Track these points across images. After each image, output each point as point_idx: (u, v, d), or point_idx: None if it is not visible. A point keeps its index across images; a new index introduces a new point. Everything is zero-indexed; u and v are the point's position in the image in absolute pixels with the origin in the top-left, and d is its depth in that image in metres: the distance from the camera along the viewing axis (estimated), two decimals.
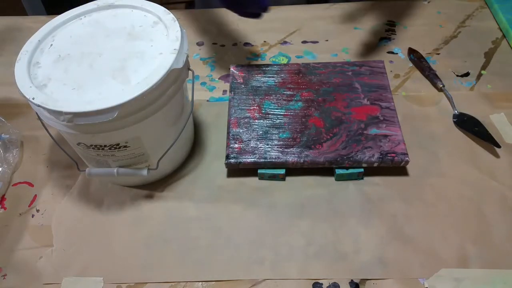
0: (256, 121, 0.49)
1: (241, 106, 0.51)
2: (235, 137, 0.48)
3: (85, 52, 0.41)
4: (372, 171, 0.47)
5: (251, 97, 0.52)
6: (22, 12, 1.25)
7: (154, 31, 0.43)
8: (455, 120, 0.52)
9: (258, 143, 0.47)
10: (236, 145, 0.47)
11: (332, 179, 0.47)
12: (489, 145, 0.49)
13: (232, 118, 0.50)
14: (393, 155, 0.45)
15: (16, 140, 0.52)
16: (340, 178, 0.47)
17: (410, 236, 0.43)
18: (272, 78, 0.53)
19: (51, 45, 0.42)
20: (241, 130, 0.48)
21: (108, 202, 0.47)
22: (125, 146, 0.41)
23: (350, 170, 0.46)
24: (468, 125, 0.51)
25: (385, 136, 0.47)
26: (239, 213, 0.45)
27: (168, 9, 0.45)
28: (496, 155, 0.49)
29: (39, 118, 0.40)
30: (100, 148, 0.40)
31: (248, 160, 0.46)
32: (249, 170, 0.48)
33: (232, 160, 0.46)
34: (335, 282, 0.40)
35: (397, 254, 0.42)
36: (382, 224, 0.44)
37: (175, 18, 0.43)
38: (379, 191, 0.46)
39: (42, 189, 0.49)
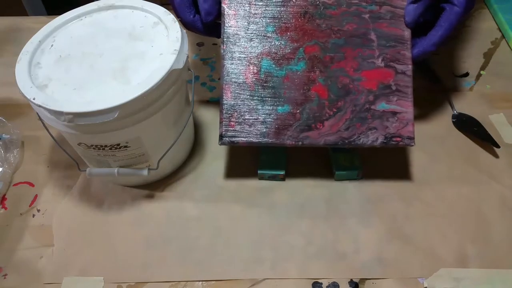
0: (252, 89, 0.43)
1: (235, 64, 0.43)
2: (229, 111, 0.43)
3: (86, 53, 0.41)
4: (372, 171, 0.47)
5: (248, 51, 0.43)
6: (22, 12, 1.25)
7: (155, 31, 0.43)
8: (454, 120, 0.52)
9: (254, 120, 0.43)
10: (230, 122, 0.43)
11: (332, 179, 0.48)
12: (488, 145, 0.49)
13: (225, 84, 0.43)
14: (398, 139, 0.42)
15: (17, 140, 0.52)
16: (340, 178, 0.47)
17: (409, 236, 0.43)
18: (273, 22, 0.44)
19: (52, 45, 0.42)
20: (235, 102, 0.43)
21: (109, 202, 0.47)
22: (125, 146, 0.41)
23: (350, 170, 0.46)
24: (467, 125, 0.51)
25: (394, 113, 0.42)
26: (239, 213, 0.46)
27: (168, 9, 0.45)
28: (495, 155, 0.49)
29: (39, 118, 0.40)
30: (101, 148, 0.41)
31: (244, 140, 0.42)
32: (249, 170, 0.48)
33: (226, 140, 0.43)
34: (334, 282, 0.41)
35: (396, 254, 0.42)
36: (382, 224, 0.44)
37: (175, 19, 0.43)
38: (379, 191, 0.46)
39: (43, 189, 0.49)
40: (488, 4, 0.67)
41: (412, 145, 0.42)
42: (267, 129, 0.43)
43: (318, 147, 0.43)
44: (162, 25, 0.43)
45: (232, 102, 0.43)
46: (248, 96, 0.43)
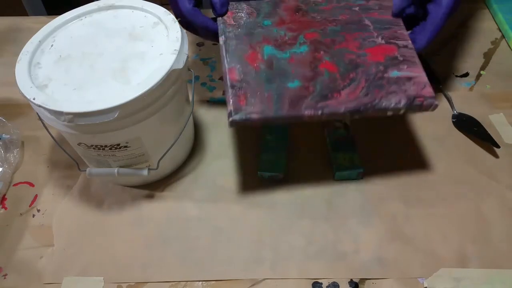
0: (258, 70, 0.40)
1: (236, 52, 0.42)
2: (236, 89, 0.39)
3: (86, 53, 0.41)
4: (372, 171, 0.47)
5: (247, 41, 0.43)
6: (22, 12, 1.25)
7: (155, 31, 0.43)
8: (454, 120, 0.52)
9: (264, 95, 0.39)
10: (240, 98, 0.39)
11: (332, 179, 0.48)
12: (488, 145, 0.49)
13: (228, 68, 0.41)
14: (421, 99, 0.39)
15: (17, 140, 0.52)
16: (340, 178, 0.47)
17: (409, 236, 0.43)
18: (268, 18, 0.45)
19: (52, 45, 0.42)
20: (242, 79, 0.40)
21: (109, 202, 0.47)
22: (125, 146, 0.41)
23: (350, 170, 0.46)
24: (467, 125, 0.51)
25: (409, 78, 0.41)
26: (239, 213, 0.46)
27: (168, 9, 0.45)
28: (496, 155, 0.49)
29: (39, 118, 0.40)
30: (101, 148, 0.41)
31: (257, 116, 0.38)
32: (249, 170, 0.48)
33: (237, 117, 0.37)
34: (334, 282, 0.41)
35: (396, 254, 0.42)
36: (382, 224, 0.44)
37: (175, 19, 0.43)
38: (379, 191, 0.46)
39: (43, 189, 0.49)
40: (488, 4, 0.67)
41: (437, 104, 0.40)
42: (281, 102, 0.39)
43: (340, 116, 0.40)
44: (162, 25, 0.43)
45: (239, 79, 0.40)
46: (254, 75, 0.40)
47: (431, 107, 0.40)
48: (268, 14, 0.45)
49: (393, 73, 0.41)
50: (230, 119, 0.38)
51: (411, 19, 0.45)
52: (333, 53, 0.42)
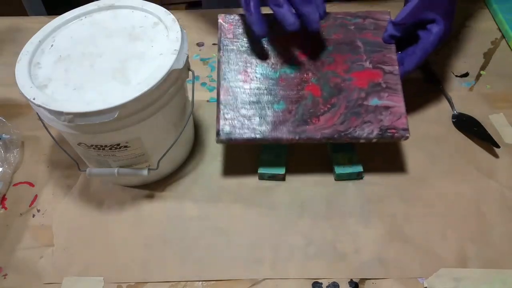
0: (249, 89, 0.45)
1: (231, 67, 0.45)
2: (226, 109, 0.44)
3: (86, 53, 0.41)
4: (372, 171, 0.47)
5: (243, 57, 0.46)
6: (22, 12, 1.25)
7: (155, 31, 0.43)
8: (454, 120, 0.52)
9: (251, 116, 0.43)
10: (228, 119, 0.43)
11: (332, 179, 0.48)
12: (488, 145, 0.49)
13: (222, 85, 0.45)
14: (393, 131, 0.43)
15: (17, 140, 0.52)
16: (340, 178, 0.47)
17: (409, 236, 0.43)
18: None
19: (52, 45, 0.42)
20: (232, 100, 0.44)
21: (109, 202, 0.47)
22: (125, 146, 0.41)
23: (350, 170, 0.46)
24: (467, 125, 0.51)
25: (387, 107, 0.43)
26: (239, 213, 0.46)
27: (168, 9, 0.45)
28: (495, 155, 0.49)
29: (39, 118, 0.40)
30: (101, 148, 0.41)
31: (241, 137, 0.43)
32: (249, 170, 0.48)
33: (224, 137, 0.43)
34: (334, 282, 0.41)
35: (396, 254, 0.42)
36: (382, 223, 0.44)
37: (175, 19, 0.43)
38: (379, 191, 0.46)
39: (43, 189, 0.49)
40: (488, 4, 0.67)
41: (408, 136, 0.43)
42: (264, 125, 0.43)
43: (316, 142, 0.43)
44: (162, 25, 0.43)
45: (229, 100, 0.44)
46: (245, 94, 0.44)
47: (403, 138, 0.43)
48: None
49: (373, 101, 0.44)
50: (217, 138, 0.43)
51: (402, 41, 0.47)
52: (320, 75, 0.45)
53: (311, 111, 0.44)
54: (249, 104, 0.44)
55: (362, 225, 0.44)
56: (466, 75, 0.58)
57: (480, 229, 0.43)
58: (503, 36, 0.62)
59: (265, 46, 0.47)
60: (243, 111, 0.44)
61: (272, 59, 0.46)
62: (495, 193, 0.46)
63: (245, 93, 0.44)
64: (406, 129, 0.43)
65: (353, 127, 0.43)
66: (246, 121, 0.43)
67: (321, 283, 0.40)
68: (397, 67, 0.45)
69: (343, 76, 0.45)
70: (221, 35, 0.47)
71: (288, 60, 0.46)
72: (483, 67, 0.58)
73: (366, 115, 0.43)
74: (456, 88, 0.56)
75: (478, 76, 0.57)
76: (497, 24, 0.64)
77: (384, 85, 0.44)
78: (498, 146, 0.48)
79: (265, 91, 0.45)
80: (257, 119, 0.43)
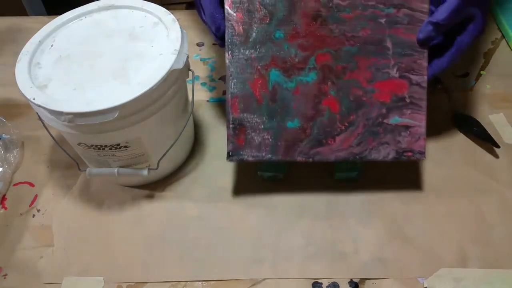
0: (260, 103, 0.40)
1: (241, 75, 0.40)
2: (237, 126, 0.41)
3: (86, 53, 0.41)
4: (372, 171, 0.47)
5: (255, 61, 0.40)
6: (22, 12, 1.25)
7: (155, 31, 0.43)
8: (454, 120, 0.52)
9: (263, 135, 0.41)
10: (239, 139, 0.41)
11: (332, 179, 0.48)
12: (489, 145, 0.49)
13: (231, 97, 0.41)
14: (410, 153, 0.40)
15: (17, 140, 0.52)
16: (340, 178, 0.47)
17: (409, 236, 0.43)
18: (281, 27, 0.40)
19: (52, 45, 0.42)
20: (243, 117, 0.41)
21: (109, 202, 0.47)
22: (125, 146, 0.41)
23: (350, 170, 0.46)
24: (467, 125, 0.51)
25: (407, 127, 0.40)
26: (239, 213, 0.46)
27: (168, 9, 0.45)
28: (496, 155, 0.49)
29: (39, 118, 0.40)
30: (101, 148, 0.41)
31: (252, 158, 0.41)
32: (249, 170, 0.48)
33: (234, 158, 0.41)
34: (334, 282, 0.41)
35: (396, 254, 0.42)
36: (382, 224, 0.44)
37: (176, 19, 0.43)
38: (379, 191, 0.46)
39: (43, 189, 0.49)
40: None
41: (423, 159, 0.41)
42: (277, 146, 0.41)
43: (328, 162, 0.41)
44: (162, 25, 0.43)
45: (240, 117, 0.41)
46: (256, 110, 0.41)
47: (419, 160, 0.41)
48: (282, 20, 0.40)
49: (393, 119, 0.41)
50: (228, 158, 0.41)
51: (437, 48, 0.42)
52: (340, 86, 0.40)
53: (327, 130, 0.41)
54: (260, 123, 0.41)
55: (362, 225, 0.44)
56: (466, 75, 0.58)
57: (480, 229, 0.43)
58: (503, 36, 0.62)
59: (280, 45, 0.40)
60: (255, 131, 0.41)
61: (288, 63, 0.40)
62: (495, 193, 0.46)
63: (257, 109, 0.41)
64: (423, 152, 0.41)
65: (369, 149, 0.41)
66: (257, 141, 0.41)
67: (321, 283, 0.40)
68: (425, 78, 0.40)
69: (365, 87, 0.40)
70: (229, 30, 0.40)
71: (306, 63, 0.40)
72: (483, 67, 0.58)
73: (384, 136, 0.41)
74: (456, 88, 0.56)
75: (478, 76, 0.57)
76: (497, 24, 0.64)
77: (408, 100, 0.40)
78: (498, 146, 0.48)
79: (279, 106, 0.41)
80: (270, 139, 0.41)
